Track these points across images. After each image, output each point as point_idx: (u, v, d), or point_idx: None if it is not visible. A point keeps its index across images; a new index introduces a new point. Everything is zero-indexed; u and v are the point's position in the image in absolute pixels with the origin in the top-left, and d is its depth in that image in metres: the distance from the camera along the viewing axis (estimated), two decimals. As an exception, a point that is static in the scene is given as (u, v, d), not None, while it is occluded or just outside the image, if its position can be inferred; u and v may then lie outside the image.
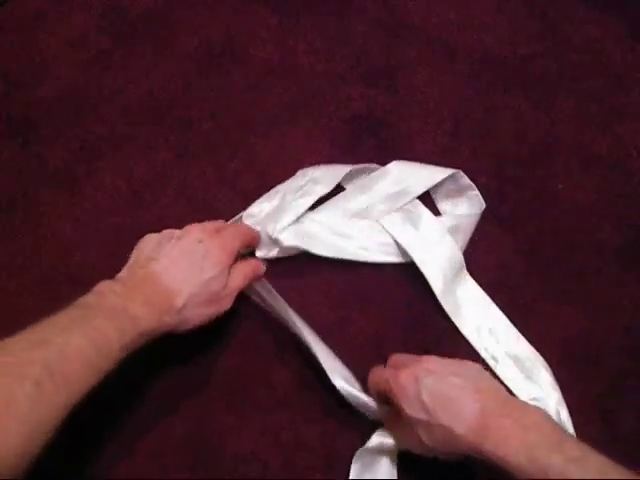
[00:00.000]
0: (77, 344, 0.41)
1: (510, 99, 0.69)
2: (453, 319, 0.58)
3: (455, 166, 0.65)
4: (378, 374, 0.52)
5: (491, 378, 0.47)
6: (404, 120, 0.68)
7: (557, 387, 0.55)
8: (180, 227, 0.63)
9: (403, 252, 0.60)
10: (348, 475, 0.53)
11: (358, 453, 0.53)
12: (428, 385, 0.46)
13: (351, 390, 0.52)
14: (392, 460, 0.53)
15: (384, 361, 0.58)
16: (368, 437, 0.54)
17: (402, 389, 0.47)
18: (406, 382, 0.47)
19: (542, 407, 0.53)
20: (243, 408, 0.56)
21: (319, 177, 0.61)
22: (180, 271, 0.49)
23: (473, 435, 0.43)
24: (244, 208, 0.63)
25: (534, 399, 0.55)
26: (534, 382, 0.56)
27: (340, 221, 0.60)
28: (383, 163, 0.65)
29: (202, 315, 0.49)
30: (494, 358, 0.57)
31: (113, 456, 0.53)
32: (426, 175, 0.62)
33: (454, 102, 0.68)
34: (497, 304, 0.59)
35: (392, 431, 0.51)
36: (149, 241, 0.52)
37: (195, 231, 0.52)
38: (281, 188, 0.62)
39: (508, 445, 0.41)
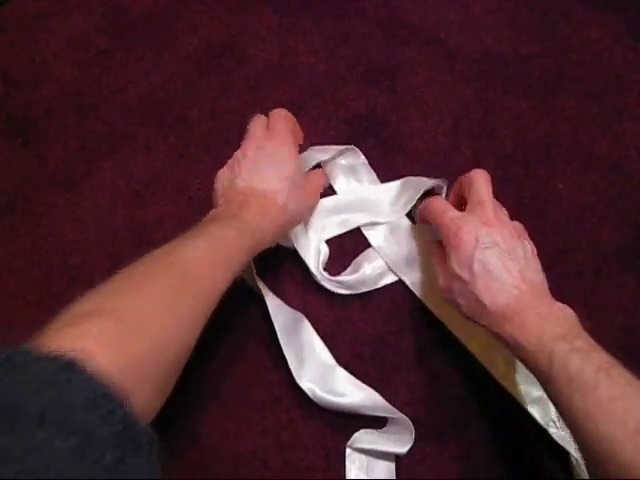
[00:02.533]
0: (203, 249, 0.44)
1: (510, 99, 0.69)
2: (448, 325, 0.58)
3: (455, 166, 0.65)
4: (439, 207, 0.53)
5: (538, 269, 0.50)
6: (404, 120, 0.68)
7: None
8: (180, 227, 0.63)
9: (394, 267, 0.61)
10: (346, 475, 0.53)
11: (349, 452, 0.53)
12: (483, 258, 0.48)
13: (320, 394, 0.54)
14: (390, 460, 0.53)
15: (384, 361, 0.58)
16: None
17: (458, 244, 0.49)
18: (466, 240, 0.49)
19: (543, 408, 0.54)
20: (241, 408, 0.56)
21: (321, 148, 0.64)
22: (265, 174, 0.52)
23: (499, 315, 0.47)
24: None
25: (535, 400, 0.55)
26: (534, 382, 0.56)
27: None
28: (383, 163, 0.65)
29: (301, 211, 0.55)
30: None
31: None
32: (414, 190, 0.62)
33: (454, 102, 0.68)
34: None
35: (429, 255, 0.54)
36: (221, 175, 0.55)
37: (250, 145, 0.55)
38: None
39: (525, 331, 0.45)
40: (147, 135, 0.67)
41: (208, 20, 0.73)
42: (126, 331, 0.35)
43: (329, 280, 0.59)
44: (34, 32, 0.73)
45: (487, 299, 0.47)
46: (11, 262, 0.62)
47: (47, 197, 0.65)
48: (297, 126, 0.60)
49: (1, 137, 0.68)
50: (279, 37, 0.72)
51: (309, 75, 0.70)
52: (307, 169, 0.61)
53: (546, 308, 0.46)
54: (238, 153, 0.55)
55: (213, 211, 0.52)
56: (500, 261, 0.48)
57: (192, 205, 0.64)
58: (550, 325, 0.45)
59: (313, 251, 0.60)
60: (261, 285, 0.57)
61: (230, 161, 0.55)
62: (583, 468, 0.51)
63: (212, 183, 0.65)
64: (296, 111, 0.68)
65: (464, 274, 0.48)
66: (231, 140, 0.67)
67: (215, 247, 0.45)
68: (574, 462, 0.52)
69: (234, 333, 0.59)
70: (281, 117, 0.57)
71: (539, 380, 0.45)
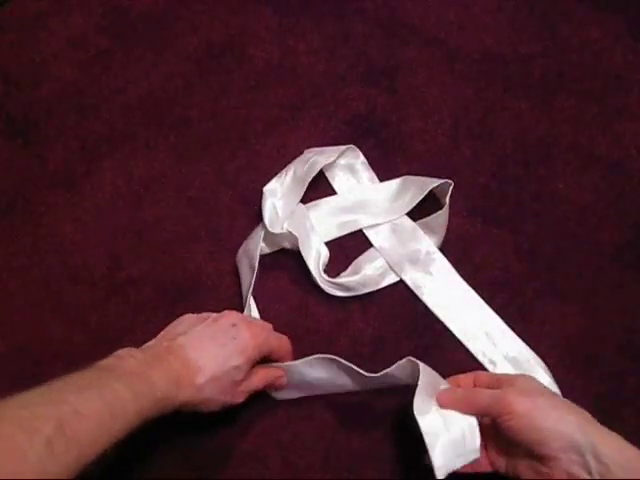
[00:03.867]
0: (91, 405, 0.39)
1: (510, 99, 0.69)
2: (448, 325, 0.58)
3: (455, 166, 0.65)
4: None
5: None
6: (404, 120, 0.68)
7: (556, 388, 0.55)
8: (180, 226, 0.63)
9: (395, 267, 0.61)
10: (347, 474, 0.53)
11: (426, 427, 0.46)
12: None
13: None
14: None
15: (384, 361, 0.58)
16: (367, 436, 0.54)
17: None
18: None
19: None
20: (241, 408, 0.56)
21: (323, 150, 0.64)
22: (207, 350, 0.48)
23: None
24: (244, 208, 0.63)
25: None
26: None
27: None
28: (383, 163, 0.65)
29: (216, 402, 0.49)
30: (492, 362, 0.57)
31: (113, 456, 0.53)
32: (418, 189, 0.61)
33: (454, 102, 0.68)
34: (497, 304, 0.59)
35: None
36: (185, 319, 0.52)
37: (232, 315, 0.51)
38: (291, 165, 0.63)
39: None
40: (147, 135, 0.67)
41: (208, 20, 0.73)
42: None
43: (329, 282, 0.59)
44: (34, 32, 0.73)
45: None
46: (11, 262, 0.62)
47: (47, 197, 0.65)
48: (283, 352, 0.53)
49: (1, 137, 0.68)
50: (279, 37, 0.72)
51: (309, 75, 0.70)
52: (311, 176, 0.61)
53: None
54: (215, 315, 0.51)
55: (125, 352, 0.46)
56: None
57: (192, 205, 0.64)
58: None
59: (314, 253, 0.60)
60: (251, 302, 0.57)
61: (204, 315, 0.52)
62: None
63: (212, 183, 0.65)
64: (296, 111, 0.68)
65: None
66: (231, 140, 0.67)
67: (107, 406, 0.40)
68: None
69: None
70: (274, 332, 0.53)
71: None
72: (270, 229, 0.60)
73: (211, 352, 0.48)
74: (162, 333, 0.51)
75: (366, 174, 0.65)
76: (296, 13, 0.73)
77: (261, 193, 0.62)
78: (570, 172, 0.65)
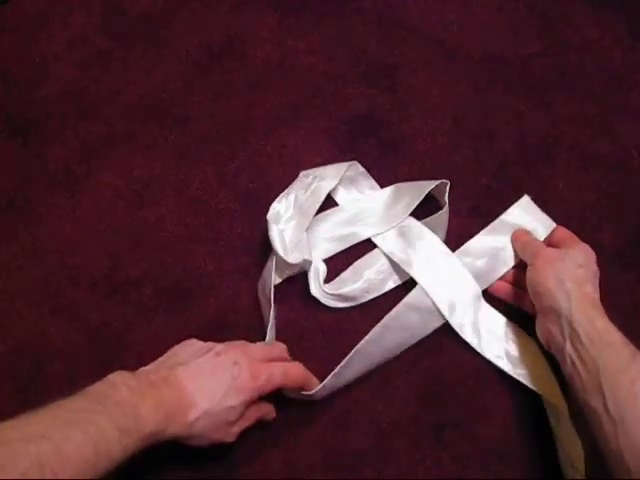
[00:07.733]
0: (75, 442, 0.39)
1: (510, 99, 0.69)
2: (456, 330, 0.58)
3: (455, 166, 0.65)
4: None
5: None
6: (404, 120, 0.68)
7: None
8: (180, 226, 0.63)
9: (399, 272, 0.60)
10: (347, 474, 0.53)
11: None
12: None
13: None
14: None
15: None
16: (367, 436, 0.54)
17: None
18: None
19: None
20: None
21: (323, 174, 0.61)
22: (205, 386, 0.46)
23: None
24: (244, 208, 0.63)
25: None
26: None
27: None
28: (383, 163, 0.65)
29: (207, 439, 0.47)
30: (498, 357, 0.57)
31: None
32: (414, 193, 0.61)
33: (454, 102, 0.68)
34: (497, 304, 0.59)
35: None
36: (188, 346, 0.50)
37: (235, 352, 0.49)
38: (290, 190, 0.60)
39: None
40: (147, 135, 0.67)
41: (208, 20, 0.73)
42: None
43: (332, 296, 0.58)
44: (34, 32, 0.73)
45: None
46: (11, 262, 0.62)
47: (47, 197, 0.65)
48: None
49: (1, 137, 0.68)
50: (279, 37, 0.72)
51: (309, 75, 0.70)
52: (317, 206, 0.59)
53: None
54: (220, 348, 0.49)
55: (119, 378, 0.45)
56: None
57: (192, 205, 0.64)
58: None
59: (312, 274, 0.59)
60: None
61: (208, 345, 0.50)
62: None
63: (212, 183, 0.65)
64: (296, 111, 0.68)
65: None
66: (231, 140, 0.67)
67: (92, 443, 0.39)
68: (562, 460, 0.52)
69: (233, 332, 0.59)
70: (281, 369, 0.50)
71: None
72: (284, 257, 0.57)
73: (208, 388, 0.46)
74: (162, 358, 0.49)
75: (367, 183, 0.64)
76: (296, 13, 0.73)
77: (261, 193, 0.62)
78: (570, 172, 0.65)
